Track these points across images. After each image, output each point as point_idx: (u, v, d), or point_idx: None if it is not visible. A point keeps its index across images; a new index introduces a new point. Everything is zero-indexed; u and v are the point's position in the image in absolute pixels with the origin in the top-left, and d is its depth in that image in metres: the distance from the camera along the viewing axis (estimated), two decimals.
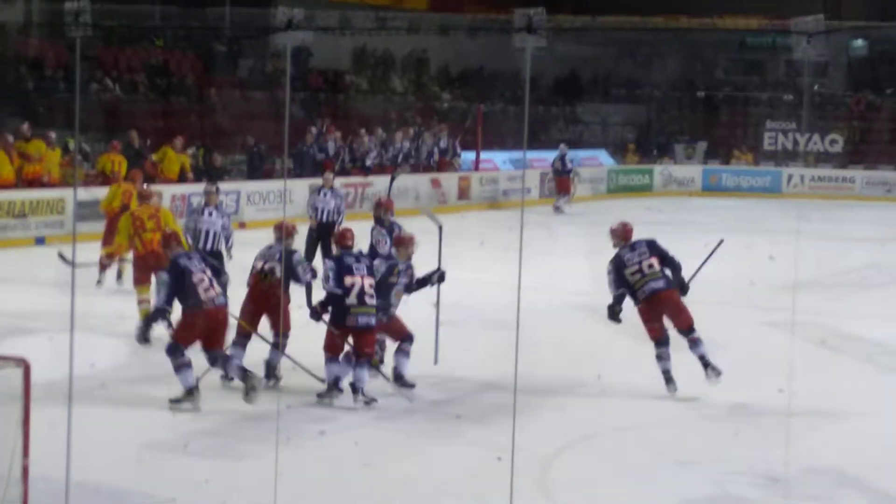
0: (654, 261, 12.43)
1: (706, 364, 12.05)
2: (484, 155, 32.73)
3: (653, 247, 12.66)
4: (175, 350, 11.05)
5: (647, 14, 29.84)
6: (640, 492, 9.22)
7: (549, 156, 34.93)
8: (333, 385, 11.30)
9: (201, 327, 11.17)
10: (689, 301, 12.33)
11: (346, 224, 14.41)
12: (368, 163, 28.48)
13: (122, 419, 10.54)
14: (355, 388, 11.28)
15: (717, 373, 12.02)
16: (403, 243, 12.34)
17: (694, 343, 12.15)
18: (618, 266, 12.48)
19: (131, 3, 30.03)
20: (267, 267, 11.95)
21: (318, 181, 25.59)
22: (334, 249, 12.03)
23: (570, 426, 10.79)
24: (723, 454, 10.22)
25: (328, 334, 11.39)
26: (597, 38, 39.12)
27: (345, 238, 11.77)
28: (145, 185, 17.38)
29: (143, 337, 12.87)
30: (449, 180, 30.55)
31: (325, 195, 18.28)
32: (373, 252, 12.95)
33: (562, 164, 31.44)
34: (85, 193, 21.09)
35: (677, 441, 10.67)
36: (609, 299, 12.53)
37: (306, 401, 11.15)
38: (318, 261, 15.81)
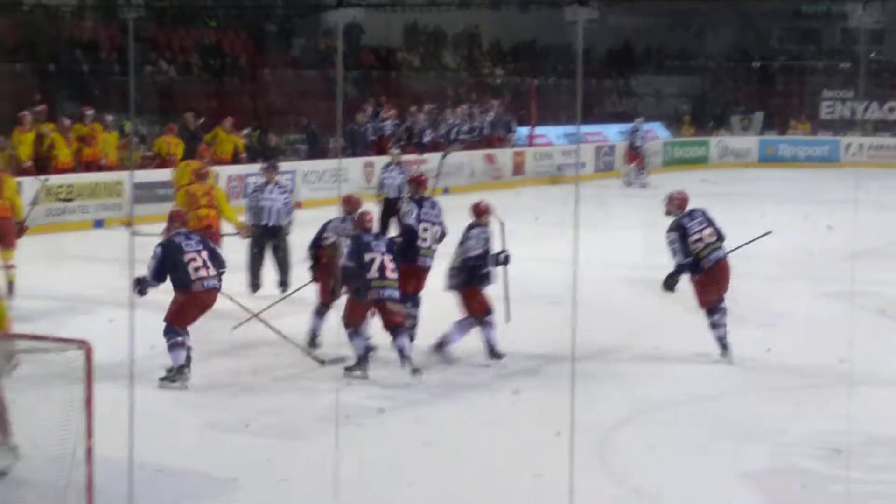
0: (712, 230, 12.57)
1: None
2: (538, 130, 32.68)
3: (707, 216, 12.78)
4: (169, 331, 11.07)
5: None
6: (700, 464, 9.21)
7: (604, 130, 34.90)
8: (363, 358, 11.45)
9: (191, 309, 11.22)
10: (748, 273, 12.28)
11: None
12: (425, 140, 28.50)
13: (184, 399, 10.61)
14: (403, 356, 11.44)
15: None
16: (480, 212, 12.66)
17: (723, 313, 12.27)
18: (682, 235, 12.50)
19: None
20: (335, 239, 12.17)
21: (372, 159, 25.84)
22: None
23: (629, 399, 10.79)
24: (783, 425, 10.19)
25: (346, 308, 11.52)
26: (649, 8, 38.95)
27: (364, 219, 11.94)
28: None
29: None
30: (503, 156, 30.52)
31: (392, 171, 19.39)
32: (400, 224, 13.05)
33: (634, 136, 31.27)
34: (143, 175, 21.25)
35: (736, 412, 10.65)
36: (666, 270, 12.49)
37: (366, 378, 11.20)
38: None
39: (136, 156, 23.21)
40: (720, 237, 12.55)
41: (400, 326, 11.58)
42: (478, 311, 12.30)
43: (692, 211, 12.81)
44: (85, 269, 17.51)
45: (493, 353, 12.26)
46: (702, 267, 12.34)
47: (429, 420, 10.22)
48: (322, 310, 12.42)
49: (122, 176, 22.04)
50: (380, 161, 23.82)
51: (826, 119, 38.72)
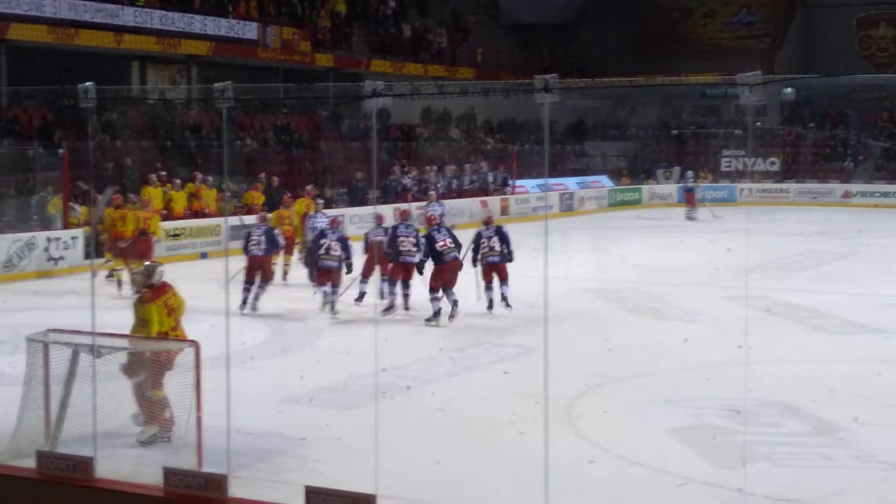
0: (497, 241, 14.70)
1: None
2: (518, 182, 32.68)
3: (500, 231, 14.88)
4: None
5: (632, 75, 29.66)
6: (639, 423, 9.19)
7: (566, 181, 34.90)
8: (438, 313, 13.77)
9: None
10: (672, 283, 12.24)
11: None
12: (433, 192, 28.51)
13: (265, 381, 10.61)
14: (454, 304, 13.82)
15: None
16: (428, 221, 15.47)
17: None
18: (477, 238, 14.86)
19: (262, 82, 30.24)
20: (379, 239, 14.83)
21: (401, 205, 25.91)
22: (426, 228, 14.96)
23: (587, 377, 10.75)
24: (698, 393, 10.16)
25: (431, 276, 14.10)
26: (596, 93, 38.98)
27: (432, 220, 15.27)
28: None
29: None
30: (493, 201, 30.50)
31: (433, 206, 21.86)
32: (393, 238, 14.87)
33: (691, 187, 31.35)
34: (235, 221, 21.29)
35: (665, 384, 10.62)
36: (613, 282, 12.43)
37: (396, 363, 11.18)
38: None
39: (229, 206, 23.23)
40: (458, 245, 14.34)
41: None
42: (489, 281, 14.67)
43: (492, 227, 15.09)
44: (194, 287, 17.49)
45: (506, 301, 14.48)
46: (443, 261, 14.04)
47: (442, 393, 10.20)
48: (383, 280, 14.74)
49: (219, 221, 22.09)
50: (405, 205, 24.28)
51: (725, 171, 38.66)
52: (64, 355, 7.87)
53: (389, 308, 14.30)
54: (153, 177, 21.83)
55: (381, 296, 14.67)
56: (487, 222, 15.31)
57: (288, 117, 30.42)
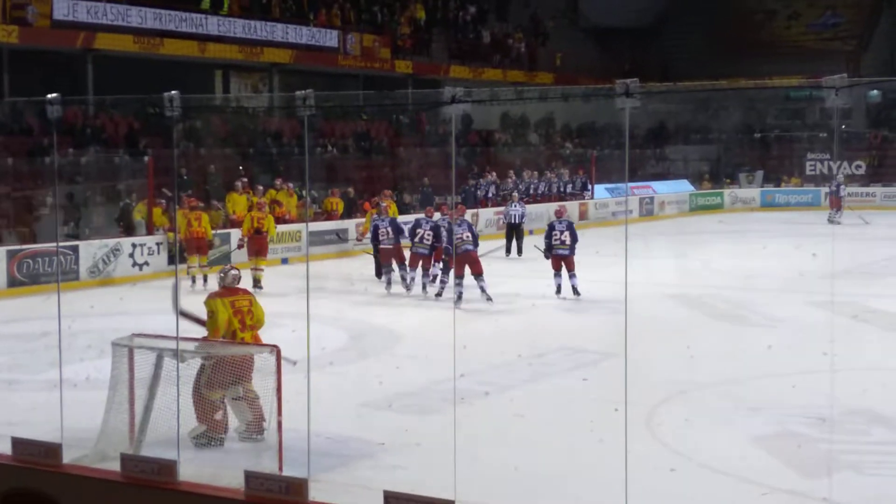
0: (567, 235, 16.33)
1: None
2: (597, 186, 32.49)
3: (571, 227, 16.59)
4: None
5: (715, 78, 29.32)
6: (722, 432, 9.04)
7: (644, 185, 34.62)
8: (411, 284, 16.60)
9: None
10: (755, 288, 12.02)
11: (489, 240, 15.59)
12: (515, 192, 28.46)
13: (345, 386, 10.68)
14: (483, 290, 15.53)
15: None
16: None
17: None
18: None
19: (343, 89, 30.54)
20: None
21: (478, 210, 25.96)
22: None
23: (668, 383, 10.62)
24: (783, 401, 9.96)
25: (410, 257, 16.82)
26: (678, 97, 38.39)
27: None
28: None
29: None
30: (572, 206, 30.31)
31: (514, 206, 23.19)
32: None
33: (836, 189, 30.73)
34: (315, 226, 21.53)
35: (748, 392, 10.44)
36: (696, 288, 12.28)
37: (475, 369, 11.17)
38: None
39: (310, 212, 23.45)
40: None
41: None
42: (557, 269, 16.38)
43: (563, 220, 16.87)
44: (276, 294, 17.74)
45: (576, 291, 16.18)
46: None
47: (520, 399, 10.17)
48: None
49: (300, 227, 22.30)
50: (483, 211, 24.64)
51: (809, 174, 37.94)
52: (148, 360, 8.00)
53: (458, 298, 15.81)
54: (238, 184, 22.14)
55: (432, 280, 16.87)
56: (559, 214, 17.29)
57: (367, 124, 30.63)
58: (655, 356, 11.71)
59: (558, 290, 16.33)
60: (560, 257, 16.50)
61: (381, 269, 17.77)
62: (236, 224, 21.18)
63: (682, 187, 36.69)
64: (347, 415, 9.50)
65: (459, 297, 15.68)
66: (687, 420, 9.36)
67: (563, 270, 16.36)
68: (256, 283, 17.66)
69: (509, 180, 29.01)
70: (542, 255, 16.73)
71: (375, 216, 18.65)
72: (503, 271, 19.19)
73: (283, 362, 7.77)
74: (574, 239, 16.56)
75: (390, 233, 17.60)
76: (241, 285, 9.25)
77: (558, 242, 16.56)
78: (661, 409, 9.71)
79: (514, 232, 22.90)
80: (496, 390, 10.54)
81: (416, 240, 17.09)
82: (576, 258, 16.47)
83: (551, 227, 16.87)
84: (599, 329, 13.54)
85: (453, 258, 15.94)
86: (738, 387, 10.68)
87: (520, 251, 22.48)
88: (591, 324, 14.15)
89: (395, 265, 17.47)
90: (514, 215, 22.99)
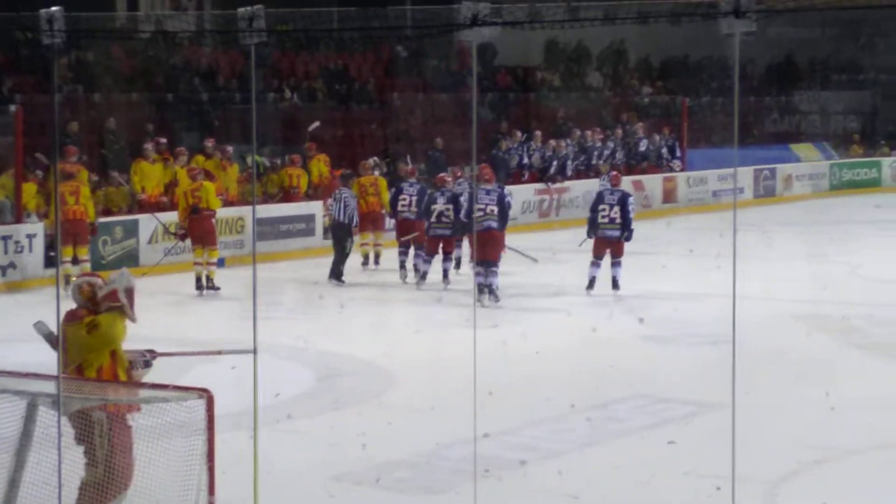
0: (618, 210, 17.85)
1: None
2: (690, 152, 32.47)
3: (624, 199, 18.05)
4: None
5: None
6: None
7: (763, 153, 34.63)
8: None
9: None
10: None
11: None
12: (569, 172, 28.55)
13: (310, 451, 10.68)
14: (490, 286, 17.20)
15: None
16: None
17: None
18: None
19: (311, 5, 30.63)
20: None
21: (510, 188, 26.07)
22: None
23: (796, 450, 10.59)
24: None
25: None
26: (813, 18, 38.48)
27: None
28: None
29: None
30: (653, 182, 30.35)
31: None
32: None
33: None
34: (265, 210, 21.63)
35: None
36: (834, 304, 12.37)
37: (505, 425, 11.17)
38: None
39: (257, 189, 23.47)
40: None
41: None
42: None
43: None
44: (206, 311, 17.79)
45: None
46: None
47: (574, 472, 10.15)
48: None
49: (243, 211, 22.29)
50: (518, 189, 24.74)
51: None
52: (14, 410, 8.01)
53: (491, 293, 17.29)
54: (149, 147, 22.20)
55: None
56: (615, 181, 18.97)
57: (346, 57, 30.68)
58: (778, 408, 11.67)
59: (591, 285, 17.79)
60: (606, 241, 17.84)
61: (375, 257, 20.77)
62: (146, 207, 21.25)
63: (820, 154, 36.67)
64: (313, 493, 9.48)
65: (481, 290, 16.97)
66: None
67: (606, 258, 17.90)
68: (210, 284, 18.62)
69: (563, 144, 29.01)
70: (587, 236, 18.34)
71: (342, 193, 20.01)
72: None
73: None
74: (627, 217, 17.83)
75: (414, 202, 19.60)
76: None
77: (606, 220, 17.79)
78: (787, 486, 9.68)
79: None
80: (537, 458, 10.52)
81: (433, 218, 18.57)
82: (656, 258, 16.49)
83: (599, 198, 18.19)
84: (692, 368, 13.53)
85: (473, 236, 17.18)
86: None
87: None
88: (679, 359, 14.14)
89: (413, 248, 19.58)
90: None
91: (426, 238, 18.90)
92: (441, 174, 20.49)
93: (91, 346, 8.41)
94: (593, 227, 18.08)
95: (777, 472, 9.91)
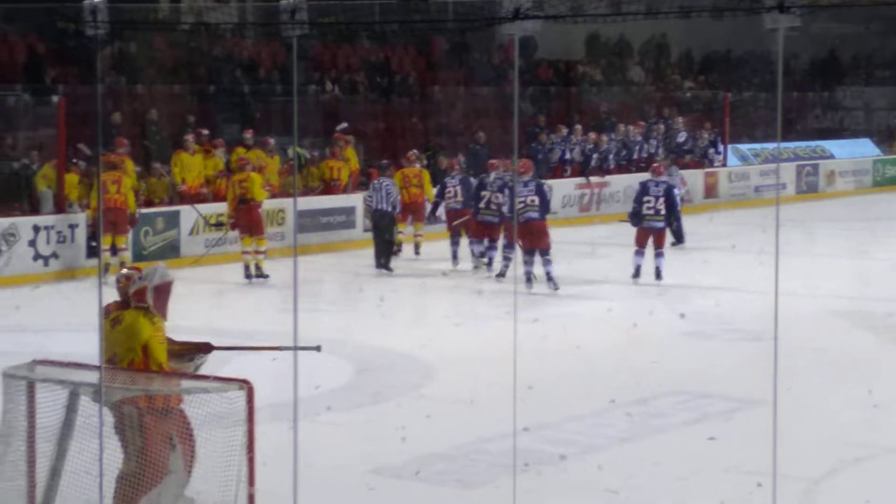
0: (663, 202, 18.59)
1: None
2: (732, 147, 32.33)
3: (669, 191, 18.93)
4: None
5: None
6: None
7: (804, 147, 34.45)
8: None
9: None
10: None
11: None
12: (611, 166, 28.47)
13: (350, 444, 10.70)
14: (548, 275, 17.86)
15: None
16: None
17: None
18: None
19: None
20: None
21: (551, 182, 26.00)
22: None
23: (838, 448, 10.55)
24: None
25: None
26: (858, 13, 38.24)
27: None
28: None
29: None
30: (694, 177, 30.19)
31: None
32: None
33: None
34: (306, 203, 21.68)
35: None
36: (879, 302, 12.28)
37: (544, 419, 11.16)
38: None
39: (299, 182, 23.49)
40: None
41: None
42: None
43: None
44: (248, 302, 17.84)
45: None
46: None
47: (615, 467, 10.13)
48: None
49: (284, 203, 22.32)
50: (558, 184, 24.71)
51: None
52: (57, 399, 8.04)
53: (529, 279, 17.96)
54: (189, 139, 22.25)
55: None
56: (657, 172, 19.29)
57: (387, 50, 30.67)
58: (820, 405, 11.62)
59: (636, 273, 18.43)
60: (649, 231, 18.56)
61: (394, 249, 20.79)
62: (187, 198, 21.33)
63: (864, 150, 36.46)
64: (353, 486, 9.51)
65: (528, 278, 17.73)
66: (868, 502, 9.31)
67: (649, 247, 18.52)
68: (259, 272, 19.01)
69: (604, 139, 28.94)
70: (630, 223, 18.93)
71: (383, 182, 20.43)
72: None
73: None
74: (671, 207, 18.84)
75: (459, 192, 20.51)
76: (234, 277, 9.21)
77: (651, 212, 18.52)
78: (827, 484, 9.65)
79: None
80: (577, 452, 10.53)
81: (482, 205, 19.39)
82: (698, 253, 16.47)
83: (644, 189, 18.86)
84: (733, 364, 13.48)
85: (514, 227, 17.74)
86: None
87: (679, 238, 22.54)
88: (720, 355, 14.08)
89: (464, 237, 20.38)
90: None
91: (474, 223, 19.80)
92: (491, 160, 21.06)
93: (117, 341, 8.43)
94: (637, 217, 18.70)
95: (818, 469, 9.87)
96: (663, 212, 18.60)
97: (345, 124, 25.12)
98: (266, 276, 19.01)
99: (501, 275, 18.81)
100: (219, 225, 20.62)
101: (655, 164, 20.48)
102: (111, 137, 21.02)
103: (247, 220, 19.37)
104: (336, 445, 10.46)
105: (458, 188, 20.79)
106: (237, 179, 19.59)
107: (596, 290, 18.53)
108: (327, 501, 8.74)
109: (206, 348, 8.84)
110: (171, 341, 8.68)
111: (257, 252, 19.26)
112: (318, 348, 8.37)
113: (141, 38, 25.30)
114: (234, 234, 19.86)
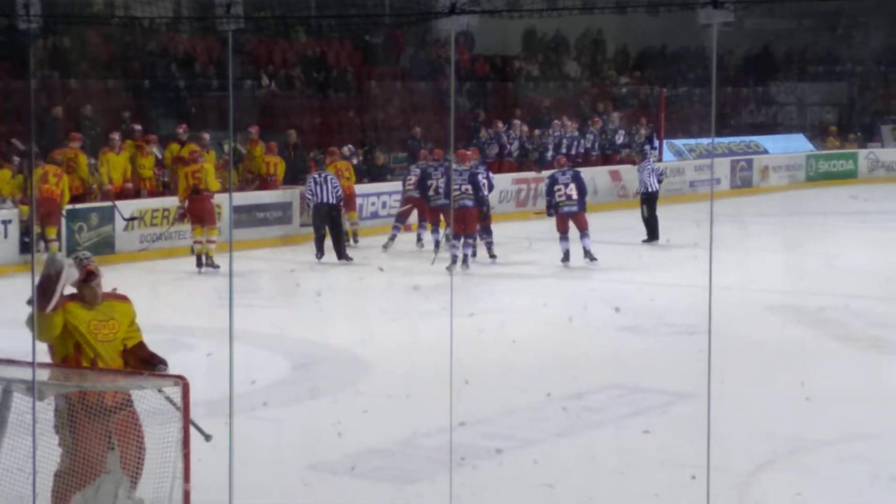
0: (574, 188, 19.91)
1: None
2: (667, 143, 32.48)
3: (577, 178, 20.18)
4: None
5: None
6: None
7: (739, 142, 34.65)
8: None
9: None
10: None
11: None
12: (548, 156, 28.56)
13: (286, 439, 10.68)
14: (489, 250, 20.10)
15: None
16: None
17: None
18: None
19: None
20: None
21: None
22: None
23: (771, 440, 10.63)
24: None
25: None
26: (791, 9, 38.53)
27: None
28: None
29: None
30: (629, 173, 30.28)
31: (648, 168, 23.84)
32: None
33: None
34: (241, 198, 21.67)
35: (889, 455, 10.45)
36: (811, 295, 12.38)
37: (481, 414, 11.18)
38: None
39: (234, 176, 23.40)
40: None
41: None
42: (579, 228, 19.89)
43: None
44: (182, 298, 17.77)
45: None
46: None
47: (550, 461, 10.17)
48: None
49: (219, 199, 22.20)
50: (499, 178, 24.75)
51: None
52: None
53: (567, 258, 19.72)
54: (115, 137, 22.11)
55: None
56: (561, 164, 20.80)
57: (323, 45, 30.61)
58: (753, 399, 11.70)
59: (565, 257, 19.61)
60: (567, 216, 19.84)
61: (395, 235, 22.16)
62: (111, 196, 21.21)
63: (797, 145, 36.74)
64: (289, 481, 9.49)
65: (454, 260, 19.00)
66: (799, 495, 9.38)
67: (571, 232, 19.70)
68: (209, 261, 19.43)
69: (537, 133, 29.06)
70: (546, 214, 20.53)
71: (323, 174, 21.20)
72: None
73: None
74: (582, 192, 20.01)
75: (469, 188, 20.69)
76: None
77: (563, 198, 19.85)
78: (761, 477, 9.71)
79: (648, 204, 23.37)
80: (513, 447, 10.55)
81: (431, 192, 20.88)
82: (632, 248, 16.55)
83: (553, 181, 20.19)
84: (668, 357, 13.56)
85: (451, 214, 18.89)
86: (876, 444, 10.68)
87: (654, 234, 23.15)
88: (655, 349, 14.15)
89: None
90: (649, 183, 23.49)
91: (427, 210, 21.38)
92: (422, 150, 23.12)
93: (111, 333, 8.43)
94: (552, 207, 20.16)
95: (752, 462, 9.94)
96: (575, 196, 19.90)
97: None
98: (217, 266, 19.31)
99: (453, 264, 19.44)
100: (133, 219, 20.83)
101: (558, 158, 22.36)
102: (72, 133, 21.48)
103: (199, 210, 19.87)
104: (272, 441, 10.43)
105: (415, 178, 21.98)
106: (190, 170, 20.09)
107: (532, 284, 18.60)
108: (263, 497, 8.72)
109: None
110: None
111: (209, 241, 19.63)
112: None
113: (74, 32, 25.12)
114: (172, 230, 20.08)
